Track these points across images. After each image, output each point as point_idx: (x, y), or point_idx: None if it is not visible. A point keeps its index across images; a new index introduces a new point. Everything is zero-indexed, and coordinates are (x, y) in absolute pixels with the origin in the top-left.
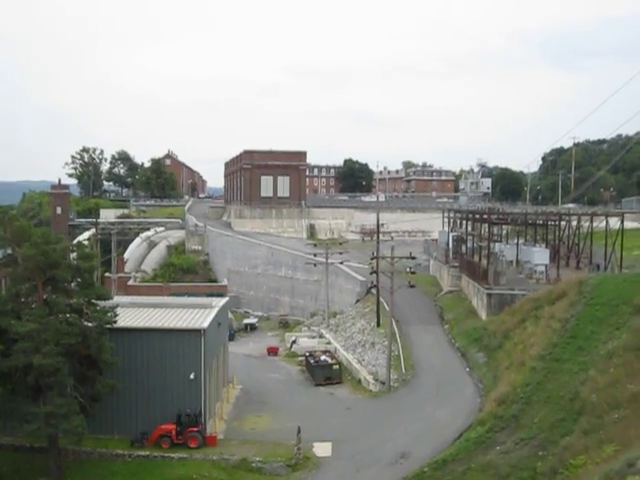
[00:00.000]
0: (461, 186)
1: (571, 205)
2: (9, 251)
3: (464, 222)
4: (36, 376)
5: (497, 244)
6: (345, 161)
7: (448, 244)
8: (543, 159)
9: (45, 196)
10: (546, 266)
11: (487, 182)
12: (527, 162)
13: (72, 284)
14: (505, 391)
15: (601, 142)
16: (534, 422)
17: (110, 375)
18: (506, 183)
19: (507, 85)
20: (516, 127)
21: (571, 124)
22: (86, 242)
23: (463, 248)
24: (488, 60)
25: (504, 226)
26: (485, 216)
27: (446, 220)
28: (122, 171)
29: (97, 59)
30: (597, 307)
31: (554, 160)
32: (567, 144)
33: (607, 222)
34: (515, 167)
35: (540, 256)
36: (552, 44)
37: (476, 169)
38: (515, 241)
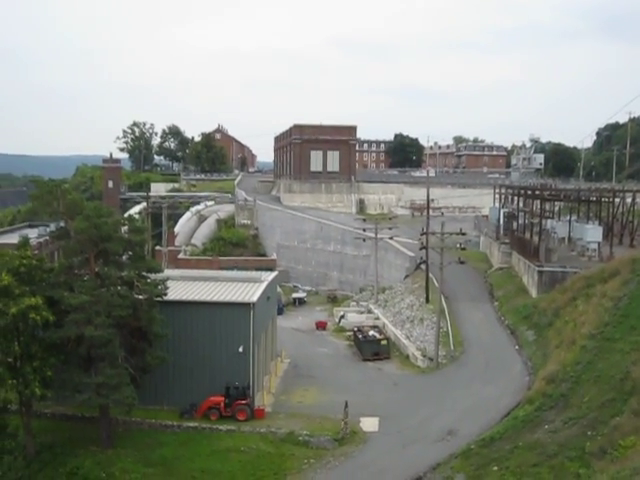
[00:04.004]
0: (513, 162)
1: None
2: (62, 224)
3: (515, 198)
4: (88, 347)
5: (549, 221)
6: (395, 136)
7: (499, 220)
8: (597, 134)
9: (97, 170)
10: (599, 243)
11: (540, 158)
12: (581, 137)
13: (123, 257)
14: (554, 370)
15: None
16: (583, 401)
17: (160, 347)
18: (559, 159)
19: (560, 58)
20: (570, 102)
21: (627, 98)
22: (137, 216)
23: (514, 224)
24: (539, 33)
25: (556, 202)
26: (537, 192)
27: (497, 196)
28: (173, 145)
29: (147, 36)
30: None
31: (609, 135)
32: (622, 119)
33: None
34: (569, 143)
35: (593, 233)
36: (606, 15)
37: (528, 144)
38: (567, 218)
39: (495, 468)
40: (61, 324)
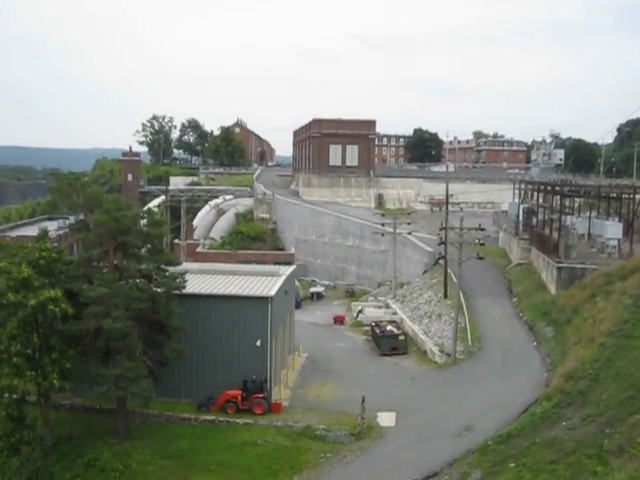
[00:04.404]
0: (533, 157)
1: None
2: (81, 217)
3: (535, 194)
4: (106, 340)
5: (569, 217)
6: (414, 130)
7: (518, 216)
8: (618, 130)
9: (117, 163)
10: (619, 240)
11: (560, 153)
12: (602, 133)
13: (142, 250)
14: (573, 366)
15: None
16: (602, 399)
17: (178, 340)
18: (579, 155)
19: (581, 54)
20: (591, 97)
21: None
22: (156, 209)
23: (533, 220)
24: (561, 29)
25: (576, 199)
26: (557, 188)
27: (517, 191)
28: (192, 139)
29: (167, 32)
30: None
31: (630, 131)
32: None
33: None
34: (589, 138)
35: (613, 230)
36: (629, 11)
37: (549, 140)
38: (587, 214)
39: (512, 464)
40: (80, 316)
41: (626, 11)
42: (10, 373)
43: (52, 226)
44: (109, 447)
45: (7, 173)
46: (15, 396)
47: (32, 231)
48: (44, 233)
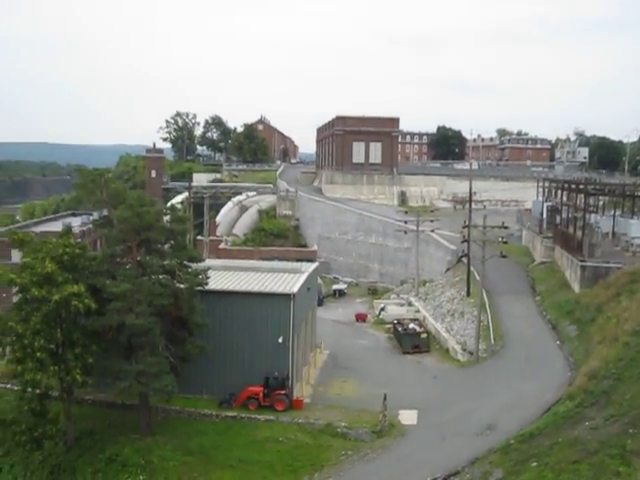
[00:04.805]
0: (557, 155)
1: None
2: (105, 213)
3: (559, 192)
4: (128, 335)
5: (593, 215)
6: (438, 128)
7: (542, 214)
8: None
9: (140, 160)
10: None
11: (584, 151)
12: (627, 131)
13: (165, 246)
14: (596, 366)
15: None
16: (625, 399)
17: (200, 336)
18: (604, 153)
19: (607, 51)
20: (616, 95)
21: None
22: (179, 205)
23: (557, 218)
24: (586, 27)
25: (600, 197)
26: (581, 186)
27: (540, 189)
28: (215, 136)
29: (193, 27)
30: None
31: None
32: None
33: None
34: (614, 136)
35: (637, 228)
36: None
37: (573, 138)
38: (612, 213)
39: (534, 464)
40: (103, 312)
41: None
42: (34, 368)
43: (76, 222)
44: (131, 442)
45: (32, 169)
46: (38, 391)
47: (56, 227)
48: (68, 229)
